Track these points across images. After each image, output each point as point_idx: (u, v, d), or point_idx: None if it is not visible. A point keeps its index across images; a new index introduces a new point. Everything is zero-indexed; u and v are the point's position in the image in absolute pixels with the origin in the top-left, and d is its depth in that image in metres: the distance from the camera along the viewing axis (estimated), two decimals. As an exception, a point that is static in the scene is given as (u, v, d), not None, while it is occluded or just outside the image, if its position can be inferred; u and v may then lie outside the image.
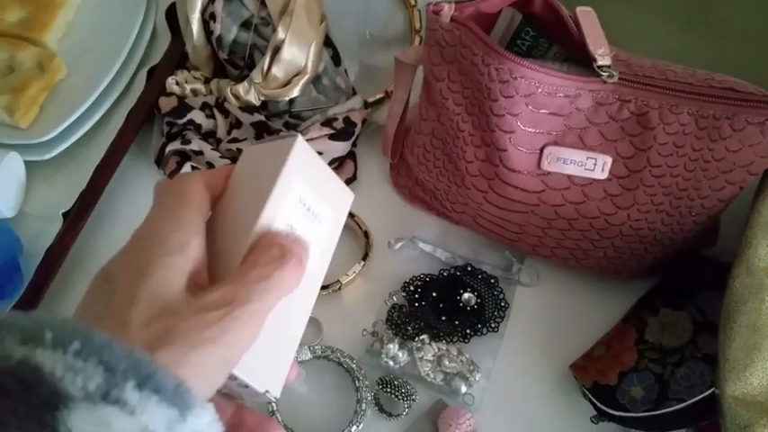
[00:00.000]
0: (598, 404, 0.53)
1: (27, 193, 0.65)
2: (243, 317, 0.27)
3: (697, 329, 0.52)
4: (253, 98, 0.64)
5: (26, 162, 0.64)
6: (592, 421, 0.54)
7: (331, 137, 0.63)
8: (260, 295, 0.28)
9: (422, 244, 0.63)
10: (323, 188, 0.35)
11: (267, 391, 0.31)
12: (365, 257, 0.62)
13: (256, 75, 0.63)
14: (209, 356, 0.26)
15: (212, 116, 0.65)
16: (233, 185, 0.34)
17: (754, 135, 0.48)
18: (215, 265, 0.31)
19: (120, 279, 0.28)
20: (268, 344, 0.31)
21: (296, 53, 0.63)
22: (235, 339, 0.27)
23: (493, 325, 0.59)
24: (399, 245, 0.63)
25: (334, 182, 0.36)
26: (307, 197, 0.33)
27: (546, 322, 0.60)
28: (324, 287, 0.60)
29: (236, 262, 0.30)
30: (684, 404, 0.49)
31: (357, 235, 0.64)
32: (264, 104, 0.65)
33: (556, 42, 0.55)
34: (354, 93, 0.68)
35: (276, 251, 0.30)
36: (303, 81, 0.64)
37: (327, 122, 0.63)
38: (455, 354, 0.58)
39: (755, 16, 0.67)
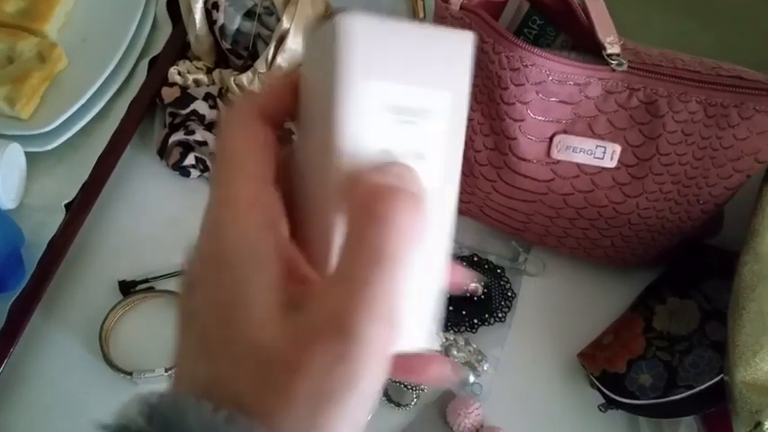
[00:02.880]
0: (607, 392, 0.53)
1: (28, 185, 0.64)
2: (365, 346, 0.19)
3: (704, 317, 0.53)
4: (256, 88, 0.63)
5: (27, 153, 0.63)
6: (600, 409, 0.54)
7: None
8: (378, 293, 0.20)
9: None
10: (416, 65, 0.23)
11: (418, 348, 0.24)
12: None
13: (260, 64, 0.62)
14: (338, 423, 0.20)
15: (215, 106, 0.65)
16: (304, 89, 0.25)
17: (761, 123, 0.49)
18: (303, 210, 0.24)
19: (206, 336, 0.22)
20: None
21: (300, 42, 0.62)
22: (363, 386, 0.20)
23: (500, 315, 0.59)
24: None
25: (430, 40, 0.24)
26: (394, 96, 0.23)
27: (553, 311, 0.60)
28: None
29: (322, 211, 0.23)
30: (693, 391, 0.49)
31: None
32: (268, 94, 0.64)
33: (563, 31, 0.55)
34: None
35: (377, 207, 0.20)
36: (307, 71, 0.63)
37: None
38: (462, 344, 0.58)
39: (758, 4, 0.67)
